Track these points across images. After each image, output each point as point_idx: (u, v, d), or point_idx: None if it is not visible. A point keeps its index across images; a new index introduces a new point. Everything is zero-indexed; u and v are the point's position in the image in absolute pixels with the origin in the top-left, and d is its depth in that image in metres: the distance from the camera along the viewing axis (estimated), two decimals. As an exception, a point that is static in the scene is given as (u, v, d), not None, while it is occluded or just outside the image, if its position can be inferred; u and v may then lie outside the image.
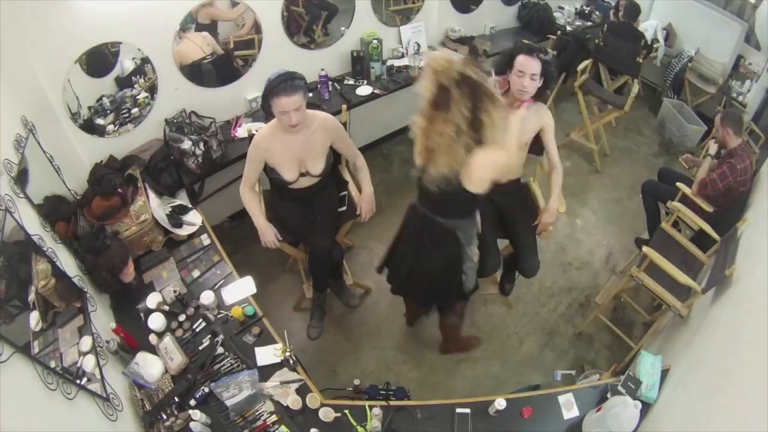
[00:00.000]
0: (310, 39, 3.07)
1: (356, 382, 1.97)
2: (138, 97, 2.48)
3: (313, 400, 1.75)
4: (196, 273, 2.20)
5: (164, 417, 1.69)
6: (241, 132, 2.77)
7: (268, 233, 2.24)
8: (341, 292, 2.76)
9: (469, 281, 2.12)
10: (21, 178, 1.70)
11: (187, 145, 2.45)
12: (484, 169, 1.64)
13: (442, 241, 1.94)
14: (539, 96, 2.21)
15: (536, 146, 2.36)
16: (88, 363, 1.58)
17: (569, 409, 1.78)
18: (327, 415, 1.73)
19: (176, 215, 2.36)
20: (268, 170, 2.25)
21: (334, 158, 2.44)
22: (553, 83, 2.31)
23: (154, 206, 2.26)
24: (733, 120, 2.70)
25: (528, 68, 2.07)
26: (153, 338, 1.93)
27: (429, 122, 1.61)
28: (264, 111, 2.11)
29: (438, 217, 1.87)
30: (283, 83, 1.96)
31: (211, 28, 2.62)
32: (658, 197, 3.05)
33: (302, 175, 2.25)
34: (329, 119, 2.23)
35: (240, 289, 2.09)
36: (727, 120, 2.71)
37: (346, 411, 1.73)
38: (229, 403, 1.69)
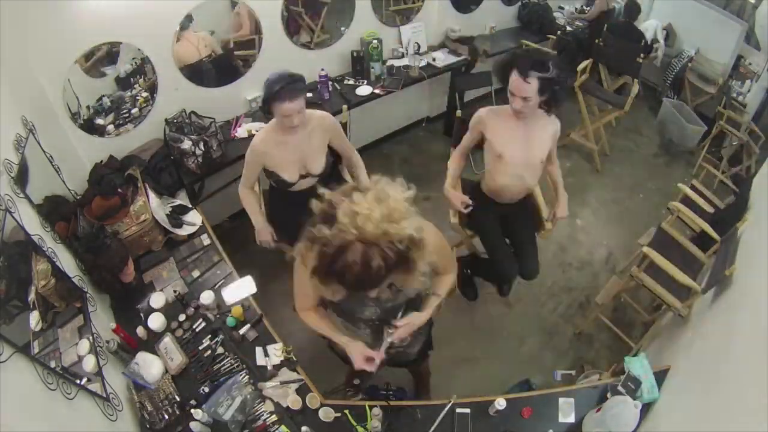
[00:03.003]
0: (310, 39, 3.06)
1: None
2: (138, 97, 2.48)
3: (313, 400, 1.75)
4: (196, 273, 2.20)
5: (164, 417, 1.69)
6: (241, 132, 2.77)
7: (264, 232, 2.24)
8: None
9: None
10: (21, 178, 1.70)
11: (187, 145, 2.45)
12: None
13: None
14: (550, 108, 2.00)
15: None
16: (88, 363, 1.58)
17: (569, 410, 1.78)
18: (327, 415, 1.72)
19: (176, 215, 2.36)
20: (268, 173, 2.24)
21: (335, 158, 2.44)
22: (562, 100, 1.99)
23: (154, 206, 2.26)
24: None
25: (519, 91, 1.90)
26: (140, 330, 1.94)
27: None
28: (263, 112, 2.10)
29: None
30: (286, 86, 1.92)
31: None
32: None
33: (302, 177, 2.24)
34: (327, 117, 2.22)
35: (240, 289, 2.09)
36: None
37: (346, 411, 1.73)
38: (226, 417, 1.66)
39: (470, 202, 2.24)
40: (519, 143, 2.10)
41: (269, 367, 1.84)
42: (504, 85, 2.05)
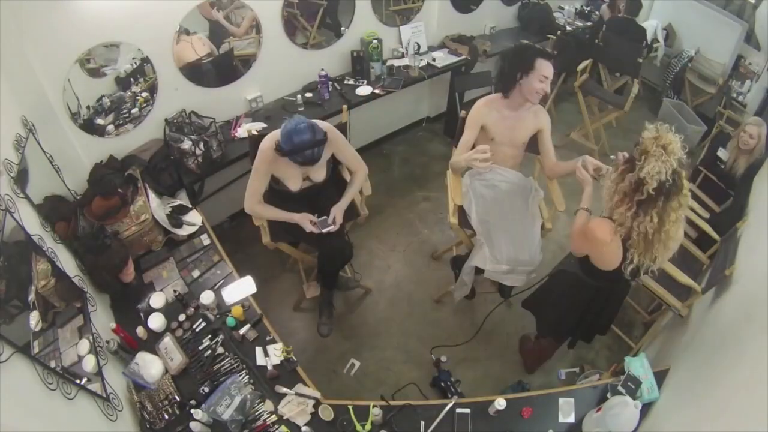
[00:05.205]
0: (306, 40, 3.04)
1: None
2: (138, 97, 2.48)
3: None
4: (196, 273, 2.20)
5: (164, 417, 1.69)
6: (241, 132, 2.77)
7: (306, 219, 2.20)
8: (341, 283, 2.78)
9: None
10: (21, 178, 1.70)
11: (187, 145, 2.45)
12: None
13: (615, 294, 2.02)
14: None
15: (534, 145, 2.40)
16: (88, 363, 1.58)
17: (569, 410, 1.78)
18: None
19: (176, 215, 2.36)
20: (274, 179, 2.23)
21: (334, 164, 2.44)
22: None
23: (154, 206, 2.26)
24: None
25: (549, 73, 2.11)
26: (140, 330, 1.94)
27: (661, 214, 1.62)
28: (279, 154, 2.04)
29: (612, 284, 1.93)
30: (309, 152, 1.96)
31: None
32: None
33: (305, 184, 2.25)
34: (330, 130, 2.18)
35: (240, 289, 2.09)
36: None
37: (349, 406, 1.73)
38: (225, 416, 1.66)
39: (488, 147, 2.17)
40: (509, 128, 2.27)
41: (269, 367, 1.84)
42: (511, 83, 2.19)
